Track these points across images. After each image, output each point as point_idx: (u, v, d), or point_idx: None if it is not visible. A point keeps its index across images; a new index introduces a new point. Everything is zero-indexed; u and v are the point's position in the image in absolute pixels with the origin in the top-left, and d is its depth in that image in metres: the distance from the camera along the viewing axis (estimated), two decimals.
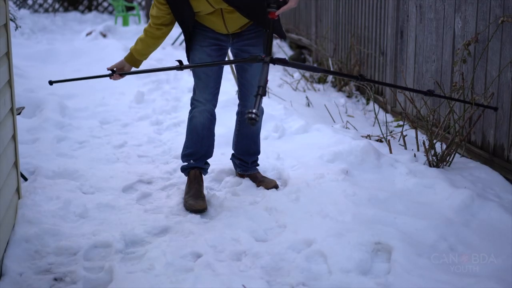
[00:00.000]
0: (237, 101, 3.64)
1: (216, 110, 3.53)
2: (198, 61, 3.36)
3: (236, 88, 3.62)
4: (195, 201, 3.30)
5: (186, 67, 3.25)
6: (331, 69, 6.57)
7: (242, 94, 3.54)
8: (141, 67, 3.50)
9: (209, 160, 3.62)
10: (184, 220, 3.17)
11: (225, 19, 3.26)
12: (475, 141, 3.86)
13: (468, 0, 3.78)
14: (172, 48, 9.27)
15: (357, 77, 3.17)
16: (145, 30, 3.34)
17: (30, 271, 2.67)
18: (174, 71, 7.44)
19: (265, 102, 4.96)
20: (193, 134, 3.48)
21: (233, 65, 3.66)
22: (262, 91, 2.75)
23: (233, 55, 3.50)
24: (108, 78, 3.46)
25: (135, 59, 3.39)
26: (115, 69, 3.41)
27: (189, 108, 3.52)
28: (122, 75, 3.40)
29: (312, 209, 3.11)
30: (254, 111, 2.60)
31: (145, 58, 3.40)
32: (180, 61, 3.22)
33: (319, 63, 7.60)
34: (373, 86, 5.84)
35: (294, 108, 5.23)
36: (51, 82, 3.50)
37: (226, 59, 3.68)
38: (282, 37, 3.39)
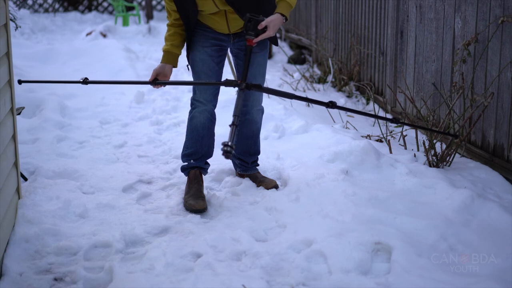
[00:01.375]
0: None
1: (216, 110, 3.54)
2: (199, 61, 3.37)
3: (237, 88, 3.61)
4: (195, 201, 3.30)
5: (161, 83, 3.30)
6: (331, 70, 6.58)
7: None
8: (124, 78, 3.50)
9: (209, 160, 3.62)
10: (184, 220, 3.17)
11: (228, 19, 3.28)
12: (475, 141, 3.86)
13: (468, 0, 3.78)
14: None
15: (328, 104, 3.20)
16: (168, 25, 3.38)
17: (30, 271, 2.68)
18: (174, 72, 7.44)
19: (265, 102, 4.96)
20: (193, 134, 3.48)
21: (233, 65, 3.67)
22: (237, 120, 2.78)
23: (233, 55, 3.51)
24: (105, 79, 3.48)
25: (172, 55, 3.37)
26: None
27: (189, 108, 3.52)
28: (160, 84, 3.35)
29: (312, 209, 3.11)
30: (229, 143, 2.59)
31: (180, 51, 3.39)
32: (155, 78, 3.30)
33: (319, 63, 7.60)
34: (373, 86, 5.85)
35: (294, 108, 5.24)
36: (20, 82, 3.50)
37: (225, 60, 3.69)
38: (274, 43, 3.41)
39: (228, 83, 3.15)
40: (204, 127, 3.47)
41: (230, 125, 2.75)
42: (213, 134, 3.54)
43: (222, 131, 4.28)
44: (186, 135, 3.54)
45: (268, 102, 5.11)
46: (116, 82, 3.58)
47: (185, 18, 3.27)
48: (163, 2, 15.85)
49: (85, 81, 3.40)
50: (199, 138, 3.48)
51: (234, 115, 2.81)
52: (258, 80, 3.44)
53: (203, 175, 3.56)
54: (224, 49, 3.43)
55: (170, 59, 3.37)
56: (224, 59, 3.49)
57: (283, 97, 3.24)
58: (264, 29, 3.07)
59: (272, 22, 3.07)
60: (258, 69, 3.43)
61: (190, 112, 3.50)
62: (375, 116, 3.46)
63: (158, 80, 3.33)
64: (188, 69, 3.47)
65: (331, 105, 3.19)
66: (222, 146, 2.58)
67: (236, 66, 3.53)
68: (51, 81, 3.76)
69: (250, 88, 3.10)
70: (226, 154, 2.57)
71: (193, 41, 3.39)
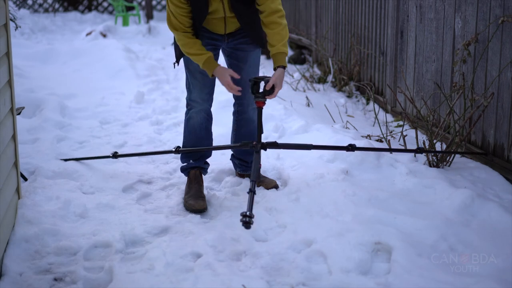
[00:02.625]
0: None
1: (216, 110, 3.54)
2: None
3: None
4: (195, 201, 3.30)
5: (183, 151, 3.44)
6: (331, 69, 6.57)
7: None
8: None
9: (208, 160, 3.62)
10: (184, 220, 3.17)
11: (226, 22, 3.32)
12: (475, 141, 3.85)
13: (468, 0, 3.78)
14: (172, 48, 9.27)
15: (347, 148, 3.33)
16: (182, 38, 3.26)
17: (30, 271, 2.68)
18: (175, 72, 7.45)
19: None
20: (191, 135, 3.49)
21: (226, 65, 3.67)
22: (254, 186, 2.80)
23: (226, 55, 3.52)
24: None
25: (213, 58, 3.31)
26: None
27: None
28: None
29: (312, 209, 3.11)
30: (247, 213, 2.60)
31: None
32: (178, 147, 3.44)
33: (319, 63, 7.60)
34: (373, 86, 5.85)
35: (294, 108, 5.23)
36: (65, 160, 3.94)
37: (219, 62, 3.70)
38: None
39: (244, 144, 3.26)
40: (202, 128, 3.47)
41: (248, 192, 2.77)
42: (211, 134, 3.55)
43: (222, 130, 4.29)
44: (184, 136, 3.54)
45: (268, 102, 5.06)
46: (143, 154, 3.82)
47: (195, 18, 3.27)
48: (163, 2, 15.85)
49: (115, 155, 3.77)
50: (197, 139, 3.49)
51: (252, 181, 2.85)
52: None
53: (203, 175, 3.56)
54: (217, 48, 3.47)
55: (214, 62, 3.29)
56: (217, 59, 3.50)
57: (302, 149, 3.38)
58: (272, 88, 3.19)
59: (278, 79, 3.20)
60: (252, 68, 3.49)
61: (187, 113, 3.51)
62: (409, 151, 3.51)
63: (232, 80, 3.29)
64: (175, 67, 3.48)
65: (351, 148, 3.30)
66: (241, 217, 2.58)
67: (229, 65, 3.54)
68: (86, 158, 4.01)
69: (266, 148, 3.21)
70: (246, 224, 2.58)
71: None
